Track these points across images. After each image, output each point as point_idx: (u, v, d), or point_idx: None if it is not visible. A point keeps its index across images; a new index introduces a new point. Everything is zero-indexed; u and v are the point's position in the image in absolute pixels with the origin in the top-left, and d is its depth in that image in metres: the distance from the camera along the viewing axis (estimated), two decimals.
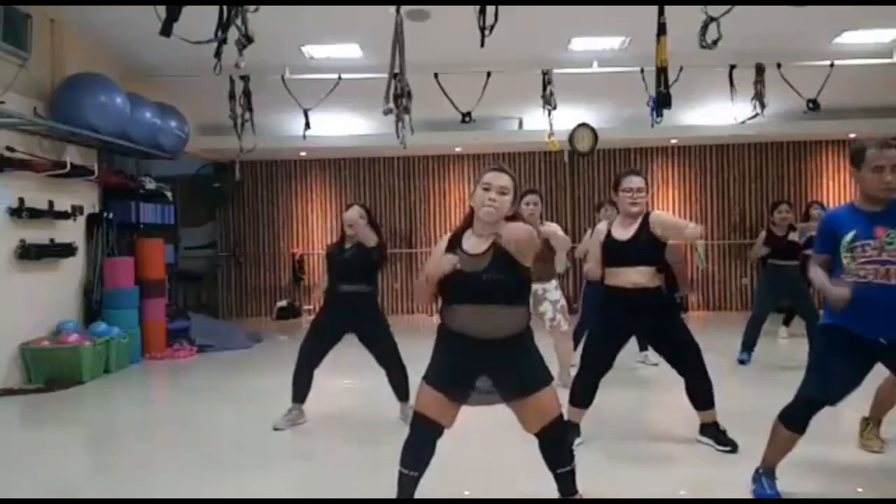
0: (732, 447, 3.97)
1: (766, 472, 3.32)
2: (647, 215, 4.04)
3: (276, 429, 4.59)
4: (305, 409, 4.75)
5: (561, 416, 2.92)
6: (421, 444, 2.88)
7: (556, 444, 2.92)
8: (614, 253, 4.01)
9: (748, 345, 6.54)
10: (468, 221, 2.95)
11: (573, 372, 5.50)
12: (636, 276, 3.95)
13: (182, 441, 4.56)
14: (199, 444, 4.46)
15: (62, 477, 3.93)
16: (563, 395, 5.38)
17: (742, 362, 6.47)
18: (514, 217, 2.89)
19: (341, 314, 4.64)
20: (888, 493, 3.36)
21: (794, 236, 6.48)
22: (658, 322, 4.05)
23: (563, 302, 5.57)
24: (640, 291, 3.94)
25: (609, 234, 4.08)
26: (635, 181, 4.02)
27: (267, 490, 3.54)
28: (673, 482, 3.54)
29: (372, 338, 4.68)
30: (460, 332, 2.81)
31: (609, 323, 4.09)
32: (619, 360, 4.10)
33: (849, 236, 3.05)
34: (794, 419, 3.19)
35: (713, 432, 4.07)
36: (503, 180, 2.85)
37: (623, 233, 4.03)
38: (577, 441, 4.04)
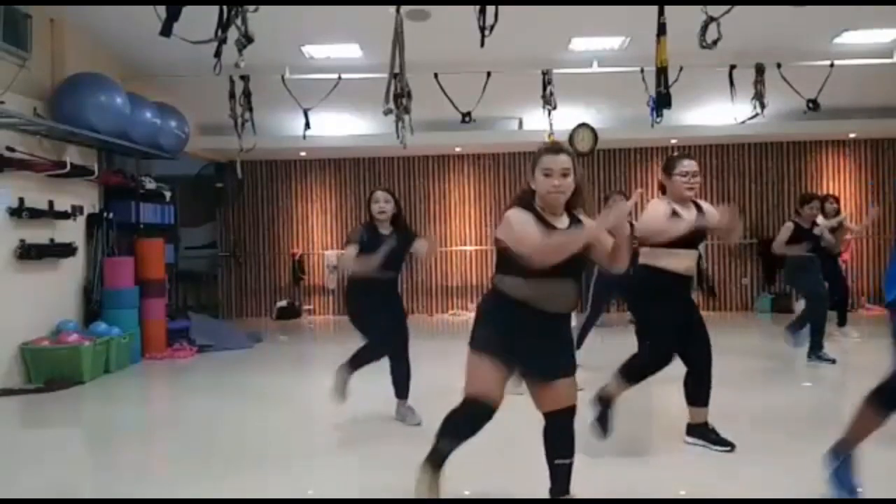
0: (730, 446, 3.95)
1: (843, 462, 3.08)
2: (698, 203, 4.03)
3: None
4: (306, 408, 4.74)
5: (575, 406, 2.89)
6: (478, 422, 2.82)
7: (563, 432, 2.89)
8: (686, 234, 3.86)
9: (821, 337, 6.45)
10: (531, 196, 2.84)
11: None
12: (690, 261, 3.93)
13: (182, 441, 4.55)
14: (198, 444, 4.46)
15: (62, 477, 3.93)
16: None
17: (830, 360, 6.41)
18: (579, 196, 2.87)
19: (380, 302, 4.54)
20: (888, 493, 3.36)
21: (816, 231, 6.51)
22: (692, 309, 4.05)
23: None
24: (687, 279, 3.96)
25: (675, 213, 3.90)
26: (692, 165, 3.95)
27: (267, 490, 3.54)
28: (673, 482, 3.53)
29: (400, 323, 4.65)
30: (529, 305, 2.76)
31: (673, 311, 3.92)
32: (619, 360, 4.08)
33: None
34: (890, 401, 2.95)
35: (702, 432, 4.02)
36: (565, 162, 2.77)
37: (687, 214, 3.92)
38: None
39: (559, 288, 2.78)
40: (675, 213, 3.89)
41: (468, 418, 2.86)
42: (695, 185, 3.92)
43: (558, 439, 2.90)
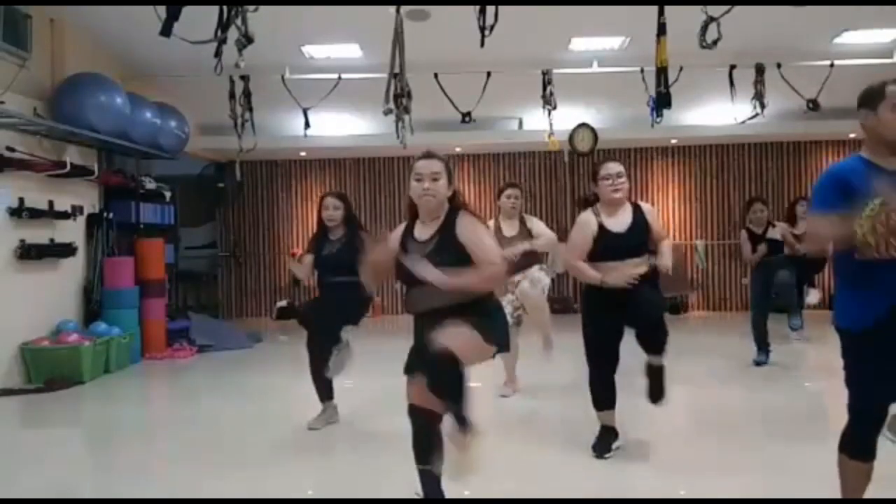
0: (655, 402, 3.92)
1: None
2: (636, 205, 3.96)
3: (311, 428, 4.53)
4: (306, 408, 4.74)
5: (428, 409, 2.83)
6: (422, 434, 2.87)
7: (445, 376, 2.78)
8: (611, 246, 3.82)
9: (760, 345, 6.40)
10: (413, 211, 2.99)
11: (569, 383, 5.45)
12: (631, 272, 3.77)
13: (182, 441, 4.55)
14: (198, 444, 4.46)
15: (62, 477, 3.93)
16: (546, 406, 5.39)
17: (759, 363, 6.31)
18: (459, 203, 2.95)
19: (331, 305, 4.51)
20: (888, 493, 3.36)
21: (773, 233, 6.44)
22: (640, 297, 3.79)
23: (547, 281, 5.34)
24: (630, 286, 3.73)
25: (602, 227, 3.86)
26: (614, 167, 3.89)
27: (267, 490, 3.54)
28: (673, 482, 3.53)
29: (331, 322, 4.49)
30: (413, 314, 2.91)
31: (600, 319, 3.88)
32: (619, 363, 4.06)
33: (876, 202, 2.43)
34: (855, 443, 2.66)
35: (651, 373, 3.94)
36: (434, 166, 2.88)
37: (616, 223, 3.86)
38: (615, 444, 3.92)
39: (425, 294, 2.80)
40: (601, 228, 3.83)
41: (414, 427, 2.89)
42: (619, 187, 3.86)
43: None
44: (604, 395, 3.95)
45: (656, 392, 3.95)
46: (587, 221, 3.91)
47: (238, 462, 4.03)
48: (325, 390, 4.66)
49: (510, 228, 5.27)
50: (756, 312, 6.53)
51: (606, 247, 3.82)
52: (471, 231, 2.85)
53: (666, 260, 3.89)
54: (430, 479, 2.89)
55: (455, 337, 2.71)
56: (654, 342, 3.89)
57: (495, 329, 2.87)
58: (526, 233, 5.23)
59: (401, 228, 3.03)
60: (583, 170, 11.05)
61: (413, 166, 2.92)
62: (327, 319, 4.51)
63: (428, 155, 2.94)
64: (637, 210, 3.93)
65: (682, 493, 3.40)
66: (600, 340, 3.91)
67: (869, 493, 3.24)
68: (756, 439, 4.18)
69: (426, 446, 2.87)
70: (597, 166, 3.98)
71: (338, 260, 4.49)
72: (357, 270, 4.45)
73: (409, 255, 2.85)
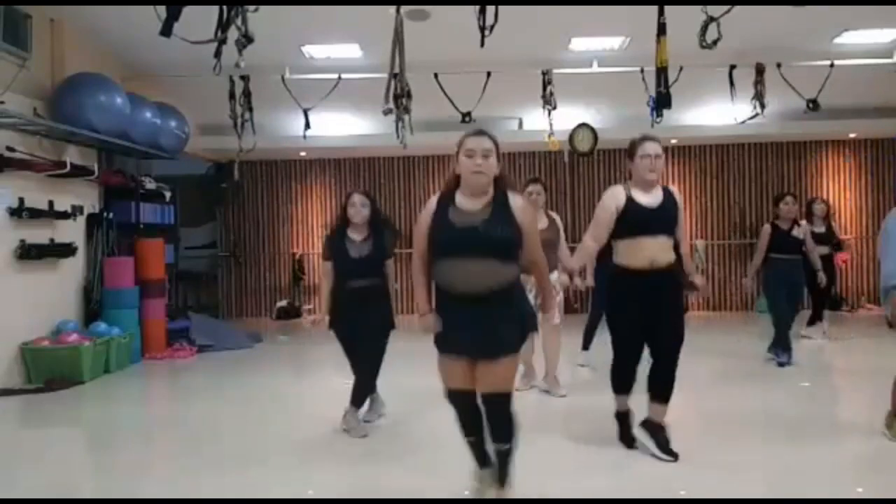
0: (674, 457, 3.75)
1: None
2: (666, 188, 3.91)
3: (365, 421, 4.56)
4: (306, 408, 4.73)
5: (511, 393, 2.95)
6: (464, 413, 2.99)
7: (499, 418, 2.96)
8: (638, 219, 3.74)
9: (785, 345, 6.25)
10: (454, 185, 2.96)
11: (560, 379, 5.45)
12: (656, 249, 3.73)
13: (182, 441, 4.56)
14: (199, 444, 4.46)
15: (62, 477, 3.93)
16: (550, 402, 5.38)
17: (782, 364, 6.17)
18: (507, 182, 2.97)
19: (353, 310, 4.41)
20: (888, 493, 3.36)
21: (797, 232, 6.37)
22: (666, 301, 3.80)
23: (561, 296, 5.51)
24: (656, 272, 3.70)
25: (631, 199, 3.78)
26: (654, 147, 3.81)
27: (267, 490, 3.54)
28: (673, 482, 3.53)
29: (371, 331, 4.45)
30: (447, 289, 2.88)
31: (626, 310, 3.83)
32: (609, 363, 4.06)
33: None
34: None
35: (654, 430, 3.86)
36: (486, 143, 2.87)
37: (647, 199, 3.80)
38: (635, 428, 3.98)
39: (463, 267, 2.81)
40: (630, 200, 3.80)
41: (456, 412, 3.03)
42: (657, 168, 3.82)
43: (496, 425, 2.98)
44: (623, 382, 3.97)
45: (669, 451, 3.78)
46: (615, 193, 3.87)
47: (238, 462, 4.02)
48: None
49: (539, 222, 5.30)
50: (778, 313, 6.33)
51: (636, 220, 3.76)
52: (530, 220, 2.96)
53: (694, 276, 4.03)
54: (476, 448, 3.06)
55: (512, 372, 2.93)
56: (662, 384, 3.84)
57: (524, 318, 2.97)
58: (555, 229, 5.38)
59: (433, 203, 2.97)
60: (582, 170, 11.05)
61: (462, 143, 2.89)
62: (365, 329, 4.42)
63: (480, 132, 2.92)
64: (667, 191, 3.91)
65: (682, 494, 3.40)
66: (626, 333, 3.89)
67: (869, 493, 3.24)
68: (756, 439, 4.18)
69: (470, 421, 3.00)
70: (635, 144, 3.90)
71: (370, 262, 4.43)
72: (377, 271, 4.44)
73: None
